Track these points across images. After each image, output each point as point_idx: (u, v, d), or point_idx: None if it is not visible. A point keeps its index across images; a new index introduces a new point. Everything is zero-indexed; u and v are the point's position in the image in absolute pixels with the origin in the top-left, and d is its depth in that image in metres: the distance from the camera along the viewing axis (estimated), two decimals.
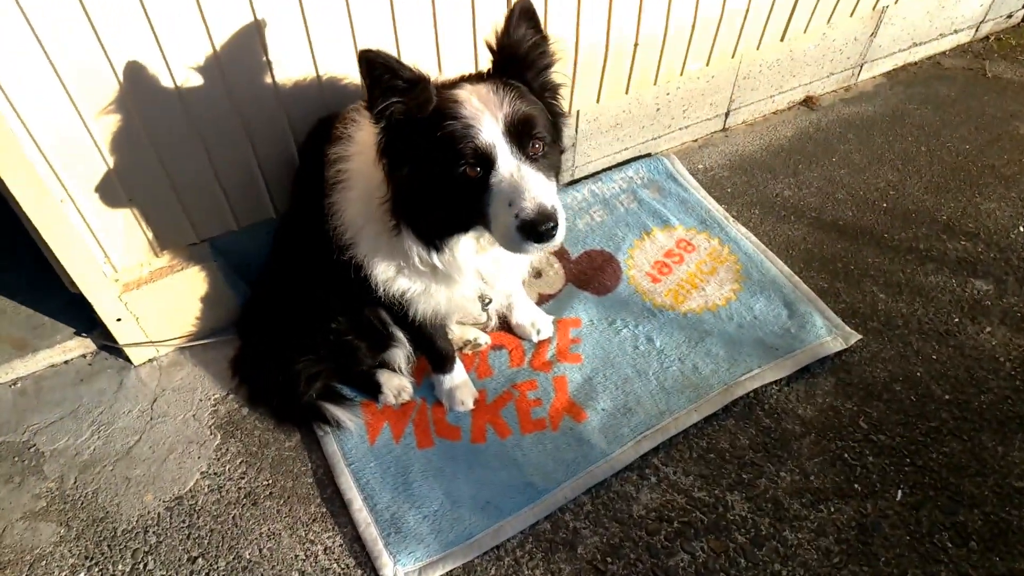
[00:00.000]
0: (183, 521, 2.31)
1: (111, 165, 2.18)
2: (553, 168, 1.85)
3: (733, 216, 3.17)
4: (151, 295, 2.50)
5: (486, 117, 1.70)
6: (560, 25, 2.63)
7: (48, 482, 2.40)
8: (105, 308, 2.45)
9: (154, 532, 2.29)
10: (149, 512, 2.33)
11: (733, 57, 3.21)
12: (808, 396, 2.56)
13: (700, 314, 2.79)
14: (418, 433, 2.48)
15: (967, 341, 2.69)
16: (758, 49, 3.26)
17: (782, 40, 3.28)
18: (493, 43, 1.81)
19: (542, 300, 2.87)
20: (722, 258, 2.99)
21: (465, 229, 1.87)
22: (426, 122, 1.72)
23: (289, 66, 2.24)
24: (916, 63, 4.03)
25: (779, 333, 2.71)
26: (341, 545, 2.26)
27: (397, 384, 2.53)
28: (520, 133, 1.72)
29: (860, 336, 2.71)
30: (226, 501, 2.35)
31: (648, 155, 3.44)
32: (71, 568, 2.21)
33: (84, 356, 2.73)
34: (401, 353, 2.47)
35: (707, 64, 3.15)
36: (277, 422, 2.53)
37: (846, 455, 2.40)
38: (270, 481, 2.40)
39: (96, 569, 2.21)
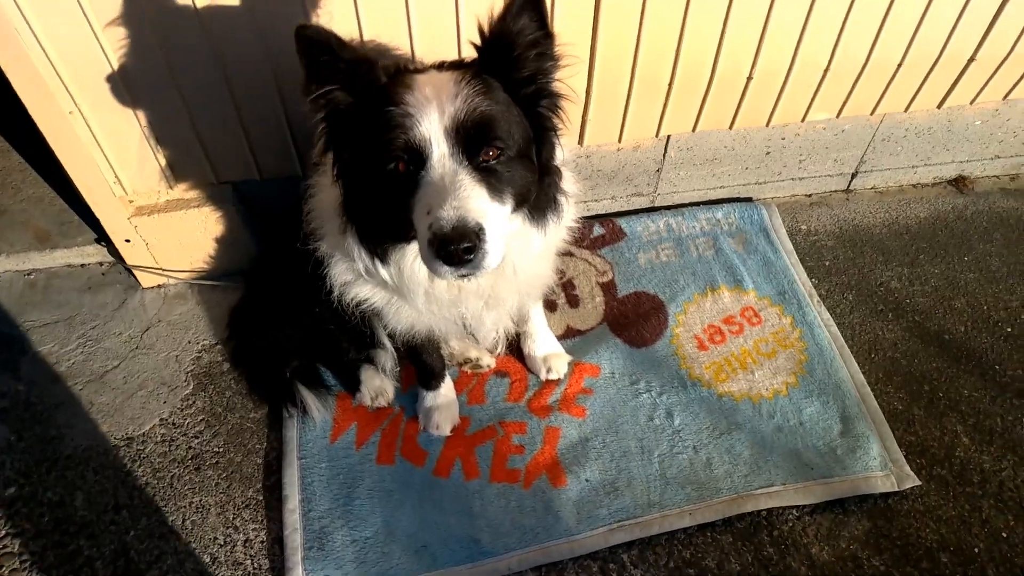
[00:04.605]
0: (124, 465, 2.23)
1: (122, 84, 2.05)
2: (516, 189, 1.53)
3: (820, 295, 2.71)
4: (164, 224, 2.40)
5: (430, 108, 1.43)
6: (657, 36, 2.25)
7: (19, 384, 2.38)
8: (113, 226, 2.37)
9: (93, 468, 2.22)
10: (97, 445, 2.26)
11: (872, 114, 2.70)
12: (830, 535, 2.14)
13: (738, 401, 2.40)
14: (382, 445, 2.27)
15: None
16: (906, 111, 2.72)
17: (939, 107, 2.73)
18: (485, 29, 1.51)
19: (569, 334, 2.56)
20: (788, 342, 2.56)
21: (407, 238, 1.60)
22: (369, 105, 1.48)
23: (331, 21, 2.01)
24: None
25: (822, 450, 2.28)
26: (263, 542, 2.10)
27: (377, 386, 2.32)
28: (468, 135, 1.44)
29: (919, 482, 2.23)
30: (172, 457, 2.25)
31: (748, 200, 3.00)
32: (5, 480, 2.18)
33: (101, 264, 2.69)
34: (385, 356, 2.25)
35: (836, 116, 2.66)
36: (249, 389, 2.39)
37: None
38: (221, 449, 2.27)
39: (27, 488, 2.17)
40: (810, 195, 3.09)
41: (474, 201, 1.42)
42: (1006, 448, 2.33)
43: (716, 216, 2.91)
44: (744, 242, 2.85)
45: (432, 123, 1.42)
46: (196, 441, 2.29)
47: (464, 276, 1.48)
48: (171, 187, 2.34)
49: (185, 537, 2.10)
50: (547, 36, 1.51)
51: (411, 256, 1.65)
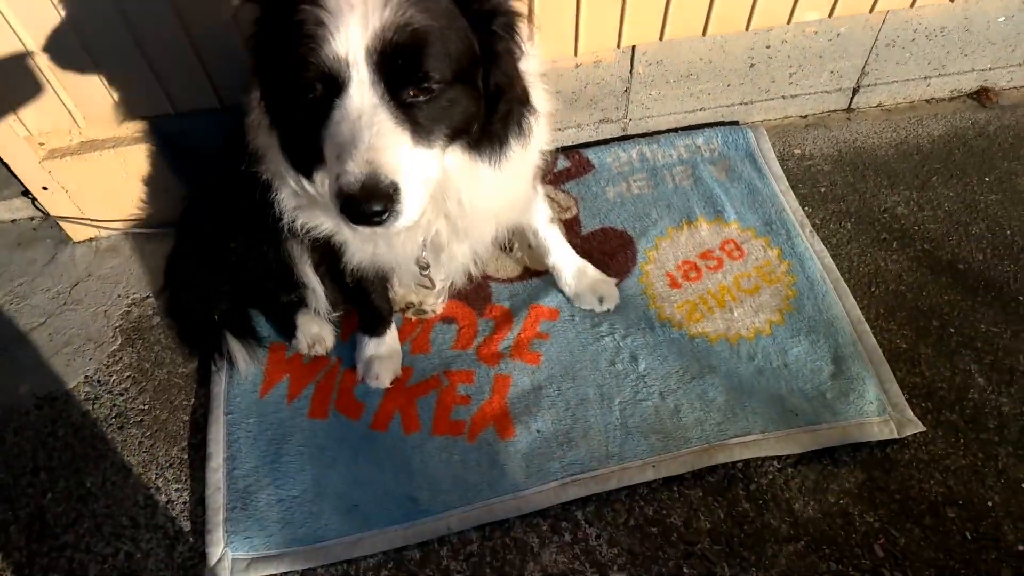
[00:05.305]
0: (45, 426, 2.08)
1: None
2: (451, 125, 1.32)
3: (814, 225, 2.41)
4: (80, 168, 2.22)
5: (352, 18, 1.18)
6: None
7: None
8: (24, 171, 2.21)
9: (13, 429, 2.08)
10: (18, 406, 2.12)
11: (871, 12, 2.36)
12: (816, 489, 1.89)
13: (713, 342, 2.14)
14: (316, 398, 2.07)
15: None
16: (912, 6, 2.37)
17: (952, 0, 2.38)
18: None
19: (525, 276, 2.32)
20: (774, 276, 2.28)
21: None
22: (284, 6, 1.25)
23: None
24: None
25: (809, 394, 2.02)
26: (185, 503, 1.94)
27: (315, 333, 2.12)
28: (394, 64, 1.20)
29: (923, 428, 1.96)
30: (95, 416, 2.10)
31: (734, 123, 2.70)
32: None
33: (32, 219, 2.54)
34: (313, 298, 2.04)
35: (829, 15, 2.33)
36: (179, 341, 2.22)
37: None
38: (146, 407, 2.11)
39: None
40: (805, 116, 2.77)
41: (391, 153, 1.21)
42: None
43: (696, 142, 2.62)
44: (727, 169, 2.55)
45: (352, 38, 1.18)
46: (121, 399, 2.13)
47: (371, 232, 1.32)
48: (78, 126, 2.15)
49: (104, 499, 1.95)
50: None
51: None
